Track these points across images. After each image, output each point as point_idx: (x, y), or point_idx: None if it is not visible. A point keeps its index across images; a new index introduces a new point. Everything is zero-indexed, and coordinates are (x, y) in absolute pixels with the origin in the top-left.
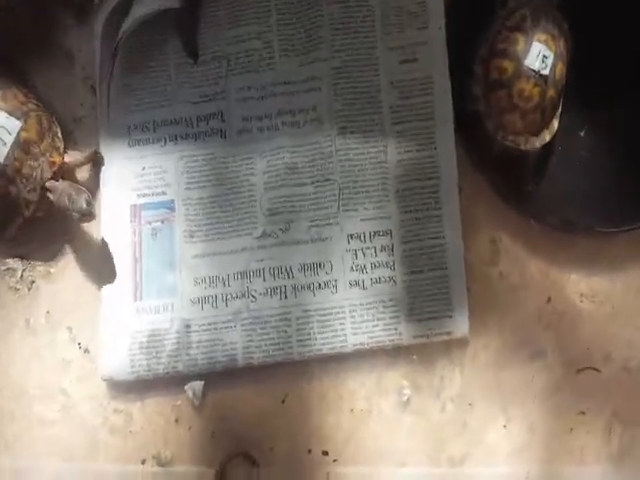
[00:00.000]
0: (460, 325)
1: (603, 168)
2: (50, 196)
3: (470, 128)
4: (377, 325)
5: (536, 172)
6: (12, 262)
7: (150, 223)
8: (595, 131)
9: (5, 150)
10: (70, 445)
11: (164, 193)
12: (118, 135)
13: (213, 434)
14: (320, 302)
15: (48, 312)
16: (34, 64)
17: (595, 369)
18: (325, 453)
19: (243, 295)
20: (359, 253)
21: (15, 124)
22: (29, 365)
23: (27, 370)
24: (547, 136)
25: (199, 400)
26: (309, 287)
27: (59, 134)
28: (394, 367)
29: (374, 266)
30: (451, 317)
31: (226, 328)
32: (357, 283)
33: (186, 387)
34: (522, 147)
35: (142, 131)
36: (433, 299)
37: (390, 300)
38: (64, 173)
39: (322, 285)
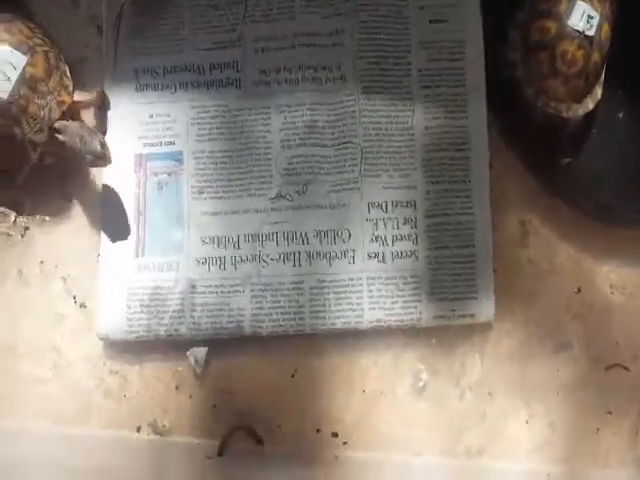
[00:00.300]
0: (485, 308)
1: None
2: (60, 137)
3: (503, 98)
4: (396, 302)
5: (575, 144)
6: (3, 206)
7: (156, 175)
8: (634, 114)
9: (9, 86)
10: (61, 407)
11: (172, 143)
12: (125, 79)
13: (215, 405)
14: (336, 272)
15: (42, 262)
16: (38, 2)
17: (624, 367)
18: (334, 435)
19: (254, 259)
20: (380, 223)
21: (21, 58)
22: (20, 319)
23: (17, 324)
24: (590, 104)
25: (202, 368)
26: (325, 255)
27: (67, 73)
28: (411, 349)
29: (395, 238)
30: (476, 299)
31: (234, 292)
32: (376, 255)
33: (188, 353)
34: (564, 114)
35: (151, 76)
36: (457, 279)
37: (411, 276)
38: (72, 115)
39: (339, 254)
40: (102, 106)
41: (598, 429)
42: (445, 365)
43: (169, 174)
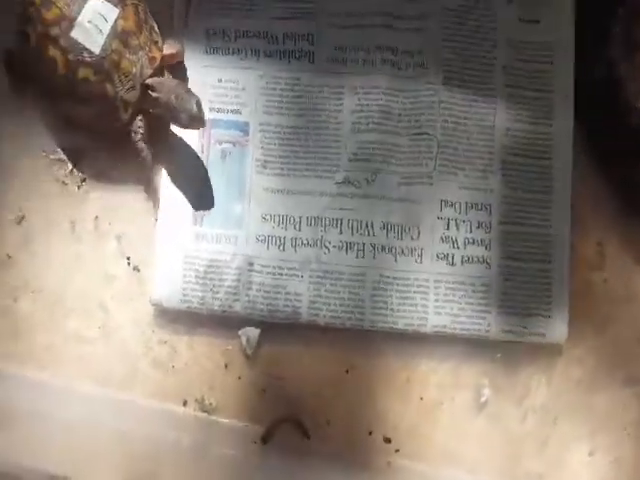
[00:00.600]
0: (557, 329)
1: None
2: (154, 94)
3: (594, 100)
4: (464, 309)
5: None
6: (62, 152)
7: (220, 143)
8: None
9: (101, 39)
10: (106, 369)
11: (239, 112)
12: (196, 39)
13: (264, 390)
14: (402, 269)
15: (97, 218)
16: None
17: None
18: (387, 440)
19: (315, 244)
20: (452, 224)
21: (112, 10)
22: (69, 272)
23: (67, 278)
24: None
25: (252, 349)
26: (390, 250)
27: (156, 28)
28: (474, 360)
29: (467, 242)
30: (549, 318)
31: (292, 276)
32: (446, 257)
33: (240, 332)
34: None
35: (222, 39)
36: (530, 294)
37: (482, 284)
38: (160, 73)
39: (405, 251)
40: (179, 66)
41: None
42: (509, 383)
43: (233, 144)
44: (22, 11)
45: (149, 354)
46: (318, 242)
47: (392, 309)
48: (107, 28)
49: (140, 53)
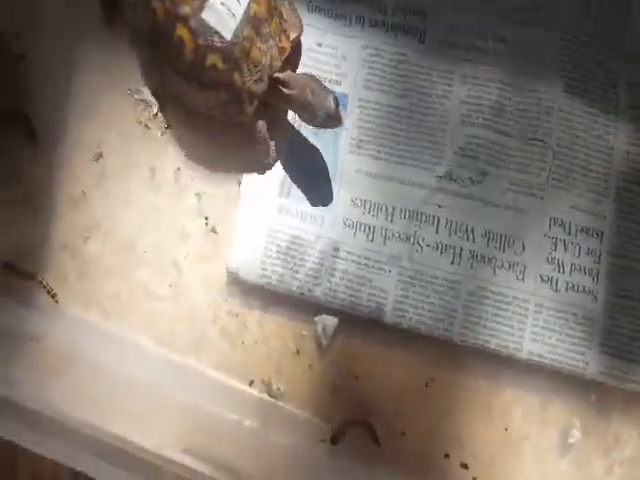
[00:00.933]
0: None
1: None
2: (286, 91)
3: None
4: (562, 340)
5: None
6: (149, 93)
7: None
8: None
9: (234, 24)
10: (171, 330)
11: (338, 83)
12: None
13: (335, 386)
14: (501, 284)
15: (179, 169)
16: None
17: None
18: (464, 466)
19: (407, 239)
20: (559, 245)
21: None
22: (144, 221)
23: (140, 226)
24: None
25: (328, 340)
26: (490, 261)
27: (284, 15)
28: (565, 397)
29: (574, 268)
30: None
31: (379, 270)
32: (550, 280)
33: (317, 319)
34: None
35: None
36: (637, 337)
37: (584, 317)
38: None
39: (506, 265)
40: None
41: None
42: (599, 429)
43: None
44: None
45: (217, 322)
46: (411, 238)
47: (485, 326)
48: (240, 12)
49: (270, 42)
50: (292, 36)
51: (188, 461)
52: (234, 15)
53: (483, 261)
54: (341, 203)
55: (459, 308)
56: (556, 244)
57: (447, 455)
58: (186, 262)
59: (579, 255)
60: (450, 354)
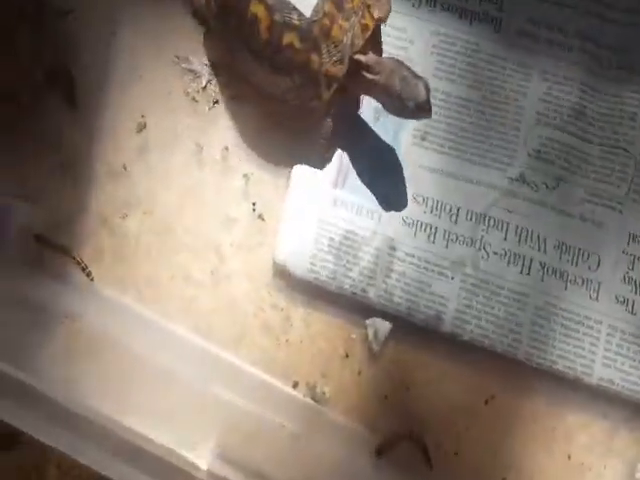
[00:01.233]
0: None
1: None
2: (370, 76)
3: None
4: (636, 367)
5: None
6: (198, 63)
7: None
8: None
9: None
10: (210, 320)
11: None
12: None
13: (386, 396)
14: (572, 301)
15: (226, 149)
16: None
17: None
18: None
19: (472, 243)
20: (637, 264)
21: None
22: (187, 201)
23: (183, 206)
24: None
25: (379, 346)
26: (562, 275)
27: None
28: (635, 428)
29: None
30: None
31: (440, 275)
32: (625, 302)
33: (368, 322)
34: None
35: None
36: None
37: None
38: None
39: (579, 281)
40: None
41: None
42: None
43: None
44: None
45: (260, 316)
46: (477, 243)
47: (554, 345)
48: None
49: (353, 19)
50: (377, 14)
51: (217, 467)
52: None
53: (554, 275)
54: None
55: (526, 324)
56: (634, 262)
57: None
58: (230, 249)
59: None
60: (513, 372)
